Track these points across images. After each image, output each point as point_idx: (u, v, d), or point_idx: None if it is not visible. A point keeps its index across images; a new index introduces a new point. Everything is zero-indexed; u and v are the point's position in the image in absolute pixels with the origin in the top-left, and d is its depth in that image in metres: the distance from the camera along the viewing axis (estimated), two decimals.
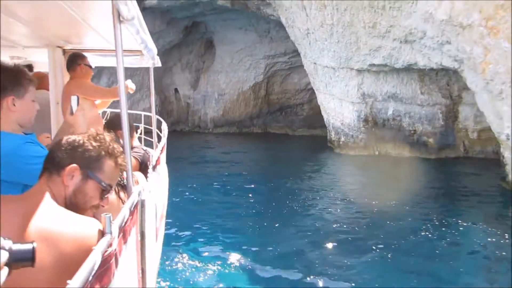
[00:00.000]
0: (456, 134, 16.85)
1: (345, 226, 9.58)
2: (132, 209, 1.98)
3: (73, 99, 3.19)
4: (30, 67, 4.98)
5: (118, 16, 2.04)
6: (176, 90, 31.42)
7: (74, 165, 1.66)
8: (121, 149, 1.86)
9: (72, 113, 3.12)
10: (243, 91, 29.54)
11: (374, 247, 8.24)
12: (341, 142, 19.12)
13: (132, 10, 2.11)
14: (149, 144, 6.15)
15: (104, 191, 1.76)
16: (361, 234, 9.06)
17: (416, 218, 10.18)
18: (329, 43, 17.46)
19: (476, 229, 9.44)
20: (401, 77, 17.21)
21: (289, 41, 27.56)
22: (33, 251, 1.21)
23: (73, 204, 1.68)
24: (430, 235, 9.03)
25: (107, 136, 1.81)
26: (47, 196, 1.59)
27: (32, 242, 1.23)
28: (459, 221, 9.82)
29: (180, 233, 8.99)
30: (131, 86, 4.33)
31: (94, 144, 1.72)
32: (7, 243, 1.16)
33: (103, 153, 1.73)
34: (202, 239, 8.80)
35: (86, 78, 4.20)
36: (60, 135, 2.97)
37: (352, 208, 11.18)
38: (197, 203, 11.66)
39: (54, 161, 1.69)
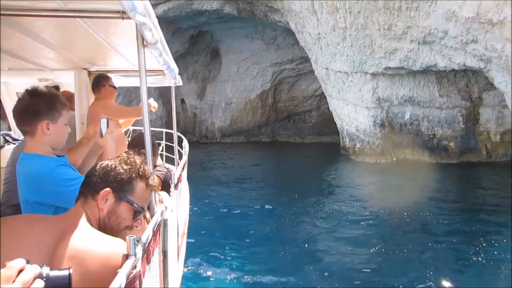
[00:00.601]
0: (477, 137, 16.08)
1: (382, 249, 8.76)
2: (155, 229, 2.04)
3: (103, 122, 3.17)
4: (57, 88, 5.06)
5: (142, 41, 2.15)
6: (182, 100, 30.77)
7: (108, 188, 1.72)
8: (151, 170, 1.89)
9: (101, 136, 3.05)
10: (250, 100, 28.88)
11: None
12: (356, 149, 18.33)
13: (155, 35, 2.21)
14: (169, 160, 6.10)
15: (136, 212, 1.81)
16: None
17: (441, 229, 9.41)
18: (342, 47, 16.79)
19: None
20: (418, 79, 16.49)
21: (296, 48, 27.06)
22: (69, 277, 1.24)
23: (107, 226, 1.73)
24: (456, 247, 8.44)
25: (138, 159, 1.86)
26: (83, 218, 1.65)
27: (68, 268, 1.26)
28: (491, 237, 9.01)
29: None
30: (154, 104, 4.46)
31: (125, 167, 1.77)
32: (45, 270, 1.21)
33: (133, 175, 1.78)
34: (211, 258, 8.22)
35: (111, 99, 4.30)
36: (90, 157, 3.03)
37: (383, 221, 10.40)
38: (209, 222, 10.79)
39: (90, 186, 1.74)
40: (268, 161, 21.25)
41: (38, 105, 2.23)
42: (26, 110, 2.25)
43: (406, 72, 15.85)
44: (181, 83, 4.93)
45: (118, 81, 4.94)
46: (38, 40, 2.87)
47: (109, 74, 4.47)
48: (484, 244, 8.68)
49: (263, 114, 29.04)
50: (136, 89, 28.39)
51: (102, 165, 1.78)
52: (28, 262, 1.19)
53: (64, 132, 2.37)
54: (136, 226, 1.87)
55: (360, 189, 14.18)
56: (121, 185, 1.74)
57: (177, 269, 3.57)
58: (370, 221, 10.48)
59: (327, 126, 28.24)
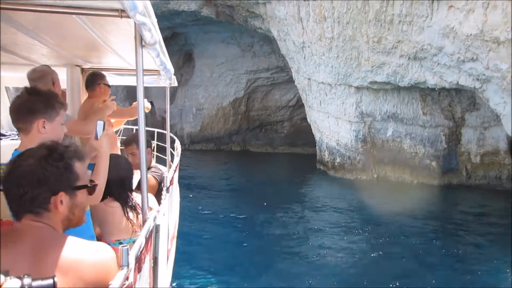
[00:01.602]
0: (459, 158, 15.65)
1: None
2: (147, 235, 2.07)
3: (99, 124, 2.80)
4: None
5: (140, 41, 2.13)
6: (151, 103, 29.11)
7: (59, 193, 1.59)
8: (68, 143, 1.75)
9: (97, 138, 2.71)
10: (222, 107, 27.74)
11: None
12: (336, 163, 17.52)
13: (155, 35, 2.17)
14: (160, 160, 5.84)
15: (90, 188, 1.74)
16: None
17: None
18: (327, 57, 16.02)
19: None
20: (402, 96, 15.94)
21: (273, 57, 26.25)
22: (54, 285, 1.25)
23: (73, 219, 1.67)
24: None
25: (50, 146, 1.64)
26: (49, 230, 1.56)
27: (53, 277, 1.27)
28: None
29: None
30: (147, 105, 4.31)
31: (54, 164, 1.59)
32: (27, 281, 1.20)
33: (68, 163, 1.62)
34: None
35: (104, 97, 4.09)
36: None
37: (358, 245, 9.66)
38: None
39: (30, 202, 1.56)
40: (241, 172, 20.17)
41: (35, 103, 2.21)
42: (23, 108, 2.22)
43: (391, 87, 15.24)
44: (176, 84, 4.85)
45: (111, 79, 4.84)
46: (30, 36, 2.81)
47: (103, 72, 4.34)
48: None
49: (235, 122, 27.96)
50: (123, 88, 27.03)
51: (25, 178, 1.54)
52: (7, 274, 1.20)
53: (61, 131, 2.34)
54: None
55: (339, 207, 13.40)
56: (67, 181, 1.62)
57: (166, 272, 3.42)
58: (347, 244, 9.91)
59: (299, 137, 27.54)
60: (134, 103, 4.54)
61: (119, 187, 2.99)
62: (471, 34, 10.40)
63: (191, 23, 24.19)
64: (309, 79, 17.49)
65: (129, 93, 27.29)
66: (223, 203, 13.96)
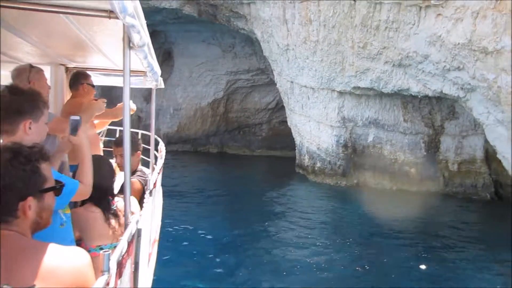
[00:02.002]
0: (437, 165, 15.73)
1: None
2: (129, 240, 2.04)
3: (75, 120, 2.57)
4: None
5: (128, 42, 2.08)
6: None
7: (27, 198, 1.52)
8: (31, 143, 1.69)
9: (74, 134, 2.54)
10: (200, 107, 27.25)
11: None
12: (316, 168, 17.35)
13: (143, 37, 2.14)
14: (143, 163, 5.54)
15: (58, 189, 1.70)
16: None
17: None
18: (311, 61, 15.86)
19: None
20: (384, 102, 15.93)
21: (254, 58, 25.98)
22: None
23: (41, 222, 1.61)
24: None
25: (14, 148, 1.56)
26: (20, 237, 1.49)
27: (33, 286, 1.30)
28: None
29: None
30: (132, 107, 4.18)
31: (21, 168, 1.51)
32: None
33: (35, 166, 1.55)
34: None
35: (88, 97, 4.06)
36: (58, 153, 2.70)
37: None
38: None
39: (0, 210, 1.49)
40: (217, 173, 19.79)
41: (21, 104, 2.15)
42: (8, 109, 2.11)
43: (374, 93, 15.20)
44: (162, 86, 4.82)
45: (96, 79, 4.73)
46: (14, 33, 2.73)
47: (88, 72, 4.24)
48: None
49: (213, 123, 27.51)
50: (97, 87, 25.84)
51: None
52: None
53: (44, 131, 2.31)
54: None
55: (318, 214, 13.21)
56: (35, 184, 1.54)
57: (147, 276, 3.31)
58: (323, 249, 9.79)
59: (277, 140, 27.35)
60: (119, 104, 4.50)
61: (99, 192, 2.85)
62: (458, 43, 10.39)
63: (171, 21, 23.67)
64: (291, 82, 17.30)
65: (104, 92, 26.40)
66: (199, 207, 13.56)
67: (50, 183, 1.62)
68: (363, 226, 11.95)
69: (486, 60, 9.68)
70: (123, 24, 1.86)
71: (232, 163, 23.26)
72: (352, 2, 13.85)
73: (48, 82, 3.98)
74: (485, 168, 15.30)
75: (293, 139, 27.08)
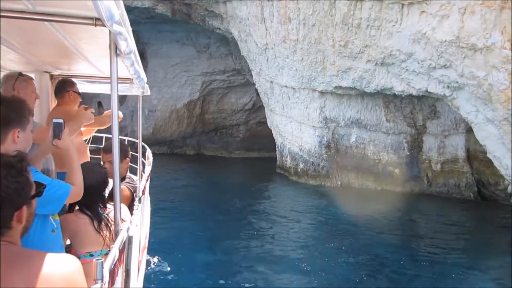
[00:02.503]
0: (420, 165, 15.48)
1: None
2: (120, 248, 2.02)
3: (58, 123, 2.45)
4: None
5: (115, 50, 2.06)
6: (99, 103, 27.03)
7: (21, 208, 1.52)
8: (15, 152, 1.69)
9: (59, 138, 2.45)
10: (176, 109, 26.41)
11: None
12: (299, 170, 16.84)
13: (130, 45, 2.11)
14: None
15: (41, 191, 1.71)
16: None
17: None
18: (291, 60, 15.35)
19: None
20: (366, 102, 15.58)
21: (230, 59, 25.33)
22: None
23: (27, 227, 1.61)
24: None
25: (4, 168, 1.51)
26: (11, 246, 1.48)
27: None
28: None
29: None
30: (119, 114, 3.92)
31: (15, 180, 1.50)
32: None
33: (26, 176, 1.55)
34: None
35: (74, 105, 4.05)
36: (38, 157, 2.65)
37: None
38: None
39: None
40: (196, 176, 19.04)
41: (8, 113, 2.10)
42: None
43: (356, 93, 14.82)
44: (149, 93, 4.79)
45: (81, 86, 4.67)
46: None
47: (73, 79, 4.18)
48: None
49: (189, 125, 26.71)
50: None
51: None
52: None
53: (30, 138, 2.28)
54: None
55: (302, 215, 12.74)
56: (27, 193, 1.55)
57: (137, 285, 3.28)
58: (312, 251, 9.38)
59: (255, 141, 26.81)
60: (106, 112, 4.43)
61: (89, 199, 2.82)
62: (445, 40, 10.05)
63: (144, 20, 22.78)
64: (271, 82, 16.75)
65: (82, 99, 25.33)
66: (178, 212, 12.84)
67: (34, 188, 1.61)
68: (348, 226, 11.53)
69: (475, 57, 9.36)
70: (110, 32, 1.84)
71: (211, 165, 22.54)
72: (332, 0, 13.42)
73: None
74: (468, 168, 15.15)
75: (271, 140, 26.59)
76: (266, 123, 28.78)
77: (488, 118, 9.94)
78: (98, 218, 2.89)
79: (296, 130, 16.59)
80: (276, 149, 18.68)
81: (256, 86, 18.50)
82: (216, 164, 23.38)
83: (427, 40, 10.84)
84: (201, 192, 15.47)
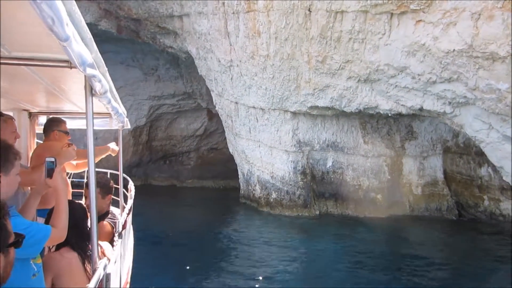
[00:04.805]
0: (401, 189, 14.01)
1: None
2: (97, 286, 2.00)
3: (50, 161, 2.47)
4: None
5: (91, 90, 2.11)
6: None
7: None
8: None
9: (50, 177, 2.45)
10: (119, 137, 23.28)
11: None
12: (271, 200, 14.61)
13: (105, 85, 2.12)
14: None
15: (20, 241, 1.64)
16: None
17: None
18: (260, 78, 13.42)
19: None
20: (341, 123, 13.97)
21: (180, 82, 22.96)
22: None
23: (5, 277, 1.58)
24: None
25: None
26: None
27: None
28: None
29: None
30: (115, 148, 4.60)
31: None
32: None
33: (2, 223, 1.50)
34: None
35: (61, 144, 3.81)
36: (34, 197, 2.64)
37: None
38: None
39: None
40: (145, 208, 16.07)
41: None
42: None
43: (332, 113, 13.15)
44: (129, 126, 4.93)
45: None
46: None
47: (56, 116, 4.25)
48: None
49: (135, 153, 23.71)
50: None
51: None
52: None
53: (15, 183, 2.22)
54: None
55: (280, 252, 10.56)
56: (4, 241, 1.48)
57: None
58: None
59: (207, 169, 24.35)
60: (98, 147, 4.35)
61: (75, 235, 2.67)
62: (453, 50, 8.64)
63: None
64: (236, 103, 14.66)
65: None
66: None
67: (12, 237, 1.55)
68: (330, 264, 9.53)
69: (494, 67, 7.99)
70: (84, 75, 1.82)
71: (160, 197, 19.54)
72: (307, 12, 11.78)
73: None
74: (447, 190, 13.94)
75: (225, 167, 24.34)
76: (218, 149, 26.62)
77: (505, 136, 8.58)
78: (85, 255, 2.73)
79: (266, 156, 14.51)
80: (240, 177, 16.41)
81: (217, 109, 16.26)
82: (166, 195, 20.54)
83: (426, 52, 9.41)
84: (149, 234, 12.19)
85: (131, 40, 19.81)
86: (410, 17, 9.83)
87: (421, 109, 10.61)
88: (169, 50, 18.75)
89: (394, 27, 10.33)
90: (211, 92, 16.17)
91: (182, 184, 23.58)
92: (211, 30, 14.16)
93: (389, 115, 11.79)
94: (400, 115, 11.75)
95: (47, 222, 2.52)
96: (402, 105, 11.07)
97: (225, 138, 25.16)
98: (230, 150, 16.77)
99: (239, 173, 16.41)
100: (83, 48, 1.60)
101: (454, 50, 8.62)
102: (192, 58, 17.89)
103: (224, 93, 15.01)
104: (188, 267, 9.28)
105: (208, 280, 8.55)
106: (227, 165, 24.01)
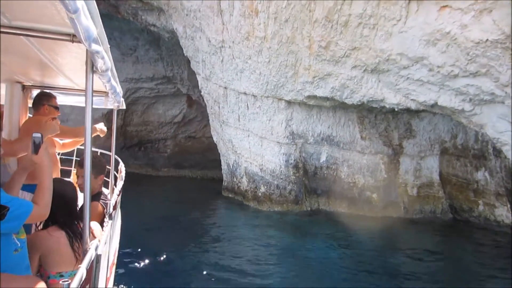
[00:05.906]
0: (397, 189, 12.97)
1: None
2: (88, 267, 1.92)
3: (36, 137, 2.36)
4: None
5: (92, 67, 1.99)
6: None
7: None
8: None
9: (36, 152, 2.35)
10: (93, 119, 21.26)
11: None
12: (259, 194, 13.25)
13: (107, 62, 2.06)
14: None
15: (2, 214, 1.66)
16: None
17: None
18: (255, 62, 12.01)
19: None
20: (338, 116, 12.75)
21: (160, 65, 21.17)
22: None
23: None
24: None
25: None
26: None
27: None
28: None
29: None
30: (104, 128, 4.36)
31: None
32: None
33: None
34: None
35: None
36: (19, 174, 2.51)
37: None
38: None
39: None
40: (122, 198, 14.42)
41: None
42: None
43: (330, 104, 11.92)
44: (124, 107, 4.69)
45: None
46: None
47: (47, 91, 3.99)
48: None
49: (108, 138, 21.67)
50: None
51: None
52: None
53: None
54: None
55: (268, 248, 9.26)
56: None
57: None
58: None
59: (185, 158, 22.76)
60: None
61: (64, 214, 2.63)
62: (486, 40, 7.53)
63: None
64: (225, 88, 13.18)
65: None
66: None
67: None
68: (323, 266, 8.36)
69: None
70: (87, 50, 1.76)
71: (134, 186, 17.81)
72: None
73: (3, 99, 3.72)
74: (442, 193, 13.05)
75: (203, 156, 22.80)
76: (196, 138, 24.97)
77: None
78: (74, 234, 2.63)
79: (255, 146, 13.12)
80: (224, 168, 14.96)
81: (202, 93, 14.70)
82: (141, 184, 18.81)
83: (450, 41, 8.27)
84: (130, 220, 10.99)
85: (109, 16, 17.92)
86: (432, 3, 8.63)
87: (433, 105, 9.52)
88: (152, 28, 16.99)
89: (412, 12, 9.12)
90: (197, 76, 14.58)
91: (158, 172, 21.90)
92: (202, 7, 12.59)
93: (395, 109, 10.65)
94: (408, 110, 10.63)
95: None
96: (412, 99, 9.95)
97: (204, 126, 23.63)
98: (214, 139, 15.27)
99: (223, 163, 14.96)
100: (90, 22, 1.54)
101: (487, 40, 7.51)
102: (175, 40, 16.24)
103: (212, 77, 13.48)
104: (162, 267, 7.85)
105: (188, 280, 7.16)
106: (205, 155, 22.51)
